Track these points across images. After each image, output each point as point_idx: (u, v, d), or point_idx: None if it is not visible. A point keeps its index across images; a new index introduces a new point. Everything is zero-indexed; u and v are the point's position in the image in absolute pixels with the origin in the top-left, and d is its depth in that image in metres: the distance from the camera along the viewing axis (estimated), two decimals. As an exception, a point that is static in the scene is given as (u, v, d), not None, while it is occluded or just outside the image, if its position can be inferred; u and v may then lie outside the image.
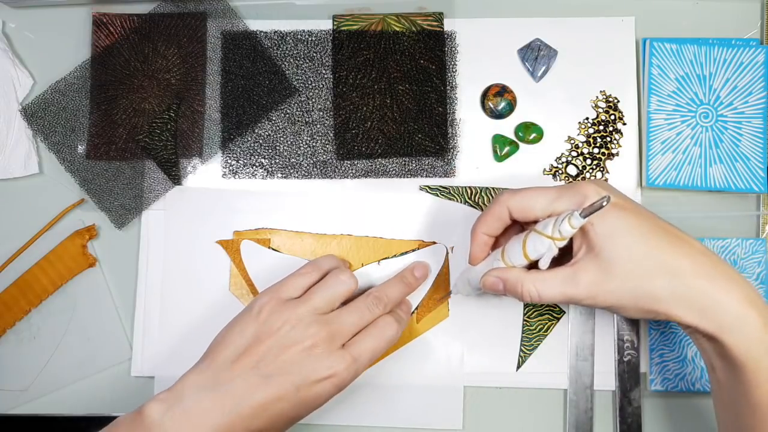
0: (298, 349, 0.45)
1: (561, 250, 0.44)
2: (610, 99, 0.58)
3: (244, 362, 0.45)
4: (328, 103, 0.58)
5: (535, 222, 0.45)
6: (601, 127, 0.58)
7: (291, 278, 0.50)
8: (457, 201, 0.57)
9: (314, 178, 0.58)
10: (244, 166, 0.58)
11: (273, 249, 0.57)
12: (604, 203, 0.39)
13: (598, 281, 0.42)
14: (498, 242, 0.49)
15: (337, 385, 0.46)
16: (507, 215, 0.46)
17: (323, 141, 0.58)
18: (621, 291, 0.42)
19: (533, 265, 0.46)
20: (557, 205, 0.44)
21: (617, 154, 0.57)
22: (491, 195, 0.57)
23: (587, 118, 0.58)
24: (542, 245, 0.43)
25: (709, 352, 0.44)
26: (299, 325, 0.46)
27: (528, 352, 0.56)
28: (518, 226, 0.49)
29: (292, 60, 0.59)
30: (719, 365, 0.43)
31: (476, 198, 0.57)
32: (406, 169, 0.58)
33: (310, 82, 0.58)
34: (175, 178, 0.57)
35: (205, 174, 0.58)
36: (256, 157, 0.58)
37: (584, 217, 0.40)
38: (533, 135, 0.57)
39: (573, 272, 0.43)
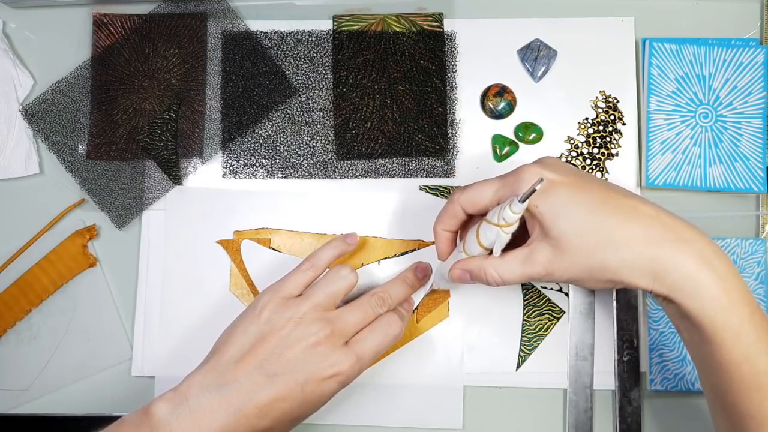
0: (301, 347, 0.46)
1: (521, 230, 0.45)
2: (610, 99, 0.58)
3: (249, 362, 0.45)
4: (328, 103, 0.58)
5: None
6: (601, 128, 0.58)
7: (291, 276, 0.50)
8: (457, 201, 0.57)
9: (314, 178, 0.58)
10: (244, 166, 0.58)
11: (273, 249, 0.57)
12: (537, 187, 0.40)
13: (552, 259, 0.43)
14: (463, 234, 0.50)
15: (342, 382, 0.46)
16: (461, 211, 0.47)
17: (323, 141, 0.58)
18: (574, 266, 0.42)
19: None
20: (501, 194, 0.45)
21: (617, 155, 0.58)
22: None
23: (587, 119, 0.58)
24: (492, 233, 0.44)
25: (672, 314, 0.44)
26: (302, 323, 0.46)
27: (528, 351, 0.56)
28: (479, 218, 0.49)
29: (292, 60, 0.59)
30: (683, 326, 0.43)
31: (476, 198, 0.57)
32: (406, 169, 0.58)
33: (310, 83, 0.58)
34: (176, 178, 0.57)
35: (206, 174, 0.58)
36: (257, 157, 0.58)
37: (522, 202, 0.41)
38: (533, 135, 0.57)
39: (529, 252, 0.44)
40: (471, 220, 0.49)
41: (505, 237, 0.44)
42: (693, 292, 0.40)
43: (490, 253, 0.46)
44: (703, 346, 0.42)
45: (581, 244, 0.42)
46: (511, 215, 0.42)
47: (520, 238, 0.45)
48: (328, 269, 0.50)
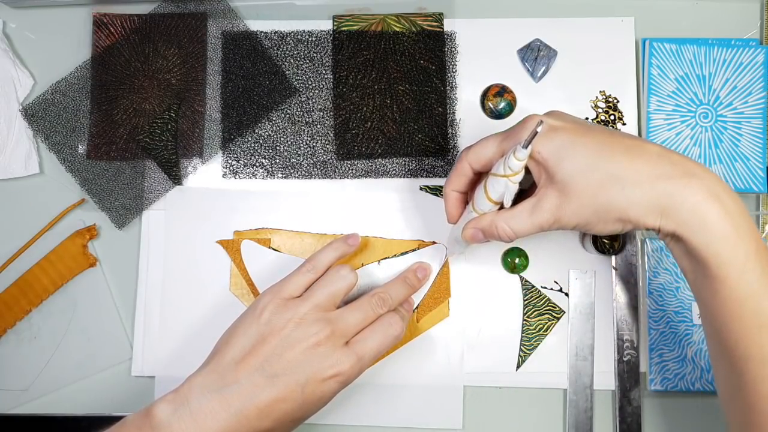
0: (302, 347, 0.46)
1: (528, 183, 0.45)
2: (610, 99, 0.58)
3: (249, 363, 0.45)
4: (329, 103, 0.58)
5: None
6: (601, 128, 0.58)
7: (291, 277, 0.50)
8: (457, 201, 0.57)
9: (314, 178, 0.58)
10: (244, 166, 0.58)
11: (273, 249, 0.57)
12: (538, 129, 0.39)
13: (559, 204, 0.42)
14: (472, 195, 0.50)
15: (342, 382, 0.46)
16: (469, 169, 0.47)
17: (323, 141, 0.58)
18: (581, 208, 0.42)
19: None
20: (505, 145, 0.45)
21: (617, 154, 0.58)
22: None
23: (587, 118, 0.58)
24: (499, 185, 0.44)
25: (678, 255, 0.43)
26: (302, 323, 0.46)
27: (528, 351, 0.56)
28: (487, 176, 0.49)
29: (292, 60, 0.59)
30: (688, 266, 0.42)
31: (476, 198, 0.57)
32: (406, 170, 0.58)
33: (310, 83, 0.58)
34: (176, 178, 0.57)
35: (206, 174, 0.58)
36: (257, 157, 0.58)
37: (526, 147, 0.41)
38: (533, 135, 0.57)
39: (537, 201, 0.43)
40: (479, 179, 0.48)
41: (513, 187, 0.44)
42: (700, 227, 0.40)
43: (501, 208, 0.46)
44: (707, 285, 0.41)
45: (587, 185, 0.41)
46: (515, 162, 0.42)
47: (529, 193, 0.45)
48: (328, 270, 0.51)
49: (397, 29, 0.58)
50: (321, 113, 0.58)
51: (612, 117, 0.58)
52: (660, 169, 0.41)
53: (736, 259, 0.39)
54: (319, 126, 0.58)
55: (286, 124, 0.58)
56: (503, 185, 0.44)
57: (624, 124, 0.58)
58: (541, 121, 0.40)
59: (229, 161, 0.58)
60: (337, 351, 0.46)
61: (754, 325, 0.40)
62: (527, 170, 0.44)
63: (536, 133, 0.40)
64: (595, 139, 0.42)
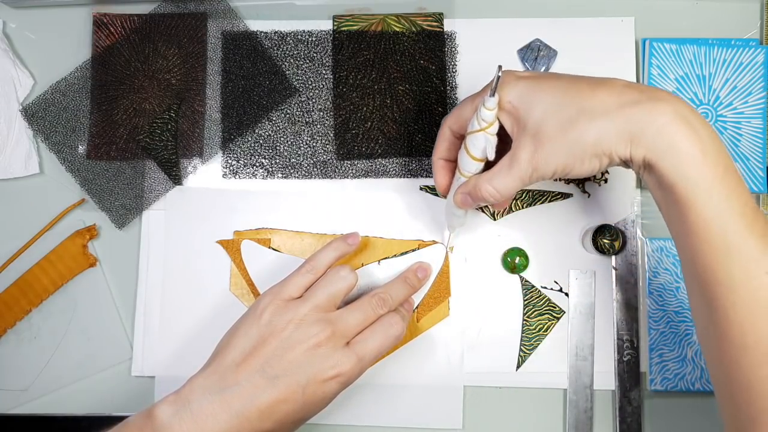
0: (302, 348, 0.46)
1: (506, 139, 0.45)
2: (610, 99, 0.58)
3: (250, 364, 0.45)
4: (329, 103, 0.58)
5: None
6: (601, 127, 0.58)
7: (291, 278, 0.50)
8: (457, 201, 0.57)
9: (314, 178, 0.58)
10: (244, 166, 0.58)
11: (273, 249, 0.57)
12: (499, 73, 0.41)
13: (534, 150, 0.42)
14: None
15: (343, 383, 0.46)
16: (449, 133, 0.48)
17: (323, 141, 0.58)
18: (555, 150, 0.42)
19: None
20: (478, 101, 0.45)
21: (617, 154, 0.58)
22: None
23: (587, 118, 0.58)
24: (478, 140, 0.45)
25: (652, 186, 0.42)
26: (302, 324, 0.46)
27: (528, 351, 0.56)
28: None
29: (292, 60, 0.59)
30: (660, 197, 0.42)
31: (476, 198, 0.57)
32: (406, 170, 0.58)
33: (310, 83, 0.58)
34: (176, 178, 0.57)
35: (206, 174, 0.58)
36: (257, 157, 0.58)
37: (492, 95, 0.42)
38: (533, 135, 0.57)
39: (513, 154, 0.43)
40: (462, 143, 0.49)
41: (492, 139, 0.44)
42: (668, 149, 0.39)
43: (487, 166, 0.46)
44: (677, 211, 0.40)
45: (557, 125, 0.41)
46: (487, 113, 0.43)
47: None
48: (328, 270, 0.50)
49: (397, 29, 0.58)
50: (321, 113, 0.58)
51: (612, 117, 0.58)
52: (626, 97, 0.41)
53: (702, 181, 0.39)
54: (319, 126, 0.58)
55: (286, 124, 0.58)
56: (483, 140, 0.44)
57: (624, 124, 0.58)
58: (500, 66, 0.41)
59: (229, 161, 0.58)
60: (338, 352, 0.46)
61: (721, 248, 0.39)
62: (502, 128, 0.44)
63: (498, 77, 0.41)
64: (561, 80, 0.43)
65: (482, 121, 0.44)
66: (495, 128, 0.44)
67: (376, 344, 0.48)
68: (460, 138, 0.48)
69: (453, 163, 0.50)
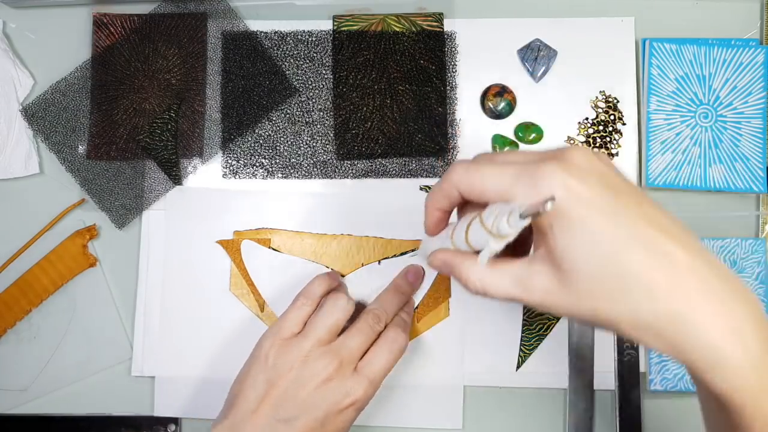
0: (313, 385, 0.45)
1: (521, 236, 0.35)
2: (610, 99, 0.58)
3: (264, 411, 0.45)
4: (329, 103, 0.58)
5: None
6: (601, 128, 0.58)
7: (288, 314, 0.49)
8: (457, 201, 0.57)
9: (314, 178, 0.58)
10: (244, 166, 0.58)
11: (273, 249, 0.57)
12: (542, 209, 0.31)
13: (552, 291, 0.35)
14: (460, 215, 0.41)
15: (359, 408, 0.47)
16: (457, 195, 0.38)
17: (323, 141, 0.58)
18: (578, 309, 0.34)
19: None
20: (514, 191, 0.34)
21: (617, 155, 0.58)
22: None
23: (587, 119, 0.58)
24: (481, 238, 0.35)
25: (691, 376, 0.36)
26: (308, 361, 0.46)
27: (528, 352, 0.56)
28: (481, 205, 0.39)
29: (292, 60, 0.59)
30: (701, 394, 0.36)
31: (476, 198, 0.57)
32: (406, 169, 0.58)
33: (310, 83, 0.58)
34: (176, 178, 0.57)
35: (206, 174, 0.58)
36: (257, 157, 0.58)
37: (523, 218, 0.32)
38: (533, 135, 0.57)
39: (527, 274, 0.35)
40: (470, 203, 0.40)
41: (495, 248, 0.34)
42: (718, 370, 0.32)
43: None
44: (724, 421, 0.34)
45: (593, 288, 0.34)
46: (506, 228, 0.33)
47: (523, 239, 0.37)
48: (324, 299, 0.50)
49: (397, 29, 0.58)
50: (321, 113, 0.58)
51: (612, 117, 0.58)
52: (683, 286, 0.32)
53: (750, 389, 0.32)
54: (319, 126, 0.58)
55: (286, 124, 0.58)
56: (484, 240, 0.35)
57: (624, 124, 0.58)
58: (553, 199, 0.31)
59: (229, 161, 0.58)
60: (348, 380, 0.46)
61: None
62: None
63: (538, 213, 0.31)
64: (622, 230, 0.33)
65: (496, 228, 0.33)
66: (506, 242, 0.34)
67: (382, 363, 0.48)
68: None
69: (449, 213, 0.41)
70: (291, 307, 0.50)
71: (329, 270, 0.56)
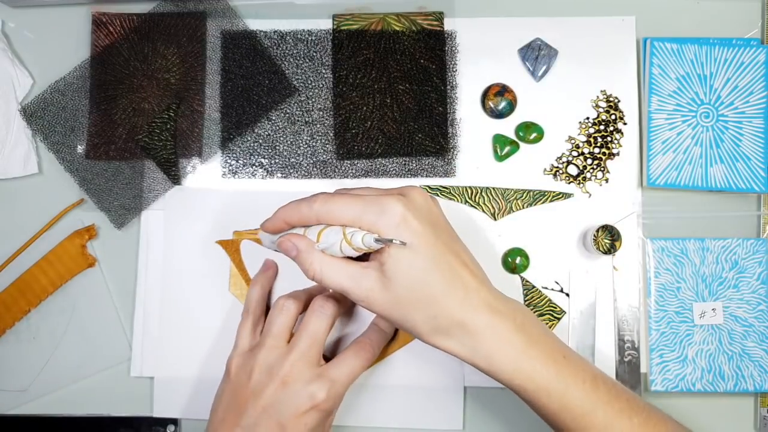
0: (271, 389, 0.46)
1: None
2: (611, 98, 0.58)
3: (229, 422, 0.47)
4: (328, 102, 0.58)
5: None
6: (602, 127, 0.57)
7: (238, 331, 0.52)
8: (457, 201, 0.57)
9: (314, 178, 0.57)
10: (243, 165, 0.58)
11: (273, 249, 0.57)
12: (397, 241, 0.42)
13: (376, 291, 0.44)
14: None
15: (324, 410, 0.47)
16: (311, 219, 0.46)
17: (323, 141, 0.58)
18: (392, 311, 0.44)
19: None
20: (364, 218, 0.43)
21: (618, 154, 0.57)
22: (491, 195, 0.57)
23: (588, 118, 0.58)
24: (335, 238, 0.44)
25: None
26: (262, 368, 0.47)
27: (528, 352, 0.55)
28: None
29: (291, 59, 0.58)
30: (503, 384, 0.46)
31: (476, 198, 0.57)
32: (406, 169, 0.57)
33: (310, 82, 0.58)
34: (175, 178, 0.57)
35: (205, 174, 0.58)
36: (256, 156, 0.58)
37: (377, 243, 0.42)
38: (534, 135, 0.57)
39: (361, 274, 0.44)
40: None
41: (343, 251, 0.44)
42: (499, 361, 0.45)
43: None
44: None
45: (405, 296, 0.43)
46: (360, 244, 0.43)
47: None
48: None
49: (398, 28, 0.58)
50: (321, 113, 0.58)
51: (613, 116, 0.57)
52: (470, 302, 0.44)
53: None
54: (318, 125, 0.58)
55: (286, 124, 0.58)
56: (339, 242, 0.44)
57: (625, 123, 0.58)
58: (404, 243, 0.42)
59: (229, 161, 0.58)
60: (311, 384, 0.46)
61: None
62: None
63: (392, 241, 0.42)
64: (432, 263, 0.43)
65: (352, 238, 0.43)
66: (354, 254, 0.44)
67: (348, 369, 0.48)
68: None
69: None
70: (239, 325, 0.52)
71: (263, 266, 0.56)
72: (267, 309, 0.54)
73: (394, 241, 0.42)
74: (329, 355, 0.52)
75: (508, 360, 0.43)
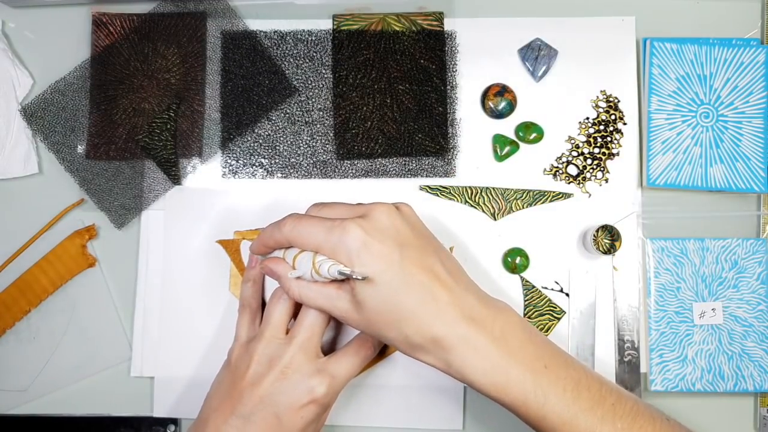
0: (270, 379, 0.46)
1: None
2: (611, 99, 0.58)
3: (225, 408, 0.47)
4: (328, 102, 0.58)
5: None
6: (602, 127, 0.58)
7: (237, 324, 0.52)
8: (457, 201, 0.57)
9: (314, 178, 0.58)
10: (243, 166, 0.58)
11: (273, 249, 0.57)
12: (358, 277, 0.42)
13: (351, 312, 0.45)
14: None
15: (322, 405, 0.47)
16: (285, 242, 0.47)
17: (323, 141, 0.58)
18: (368, 329, 0.45)
19: None
20: (325, 245, 0.44)
21: (618, 154, 0.57)
22: (491, 195, 0.57)
23: (588, 118, 0.58)
24: (305, 266, 0.45)
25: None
26: (261, 358, 0.48)
27: (528, 352, 0.55)
28: None
29: (292, 60, 0.58)
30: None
31: (476, 198, 0.57)
32: (406, 169, 0.57)
33: (310, 82, 0.58)
34: (175, 178, 0.57)
35: (205, 174, 0.58)
36: (256, 157, 0.58)
37: (340, 275, 0.43)
38: (533, 135, 0.57)
39: (335, 296, 0.45)
40: None
41: (314, 279, 0.45)
42: (463, 359, 0.44)
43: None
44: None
45: (375, 317, 0.44)
46: (326, 272, 0.44)
47: None
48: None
49: (397, 28, 0.58)
50: (321, 113, 0.58)
51: (613, 116, 0.58)
52: (441, 314, 0.44)
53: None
54: (318, 126, 0.58)
55: (286, 124, 0.58)
56: (308, 269, 0.45)
57: (625, 123, 0.58)
58: (366, 278, 0.42)
59: (229, 161, 0.58)
60: (311, 378, 0.47)
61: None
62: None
63: (354, 277, 0.42)
64: (399, 282, 0.43)
65: (319, 266, 0.44)
66: (321, 280, 0.45)
67: (347, 366, 0.48)
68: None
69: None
70: (237, 320, 0.52)
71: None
72: (263, 304, 0.54)
73: (354, 276, 0.42)
74: (327, 350, 0.52)
75: (480, 373, 0.43)
